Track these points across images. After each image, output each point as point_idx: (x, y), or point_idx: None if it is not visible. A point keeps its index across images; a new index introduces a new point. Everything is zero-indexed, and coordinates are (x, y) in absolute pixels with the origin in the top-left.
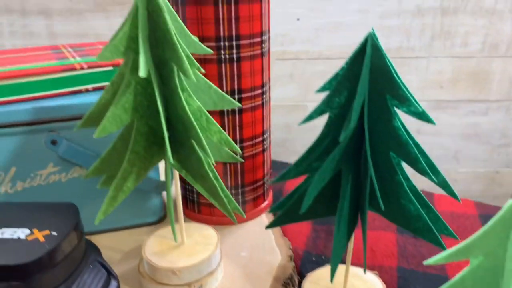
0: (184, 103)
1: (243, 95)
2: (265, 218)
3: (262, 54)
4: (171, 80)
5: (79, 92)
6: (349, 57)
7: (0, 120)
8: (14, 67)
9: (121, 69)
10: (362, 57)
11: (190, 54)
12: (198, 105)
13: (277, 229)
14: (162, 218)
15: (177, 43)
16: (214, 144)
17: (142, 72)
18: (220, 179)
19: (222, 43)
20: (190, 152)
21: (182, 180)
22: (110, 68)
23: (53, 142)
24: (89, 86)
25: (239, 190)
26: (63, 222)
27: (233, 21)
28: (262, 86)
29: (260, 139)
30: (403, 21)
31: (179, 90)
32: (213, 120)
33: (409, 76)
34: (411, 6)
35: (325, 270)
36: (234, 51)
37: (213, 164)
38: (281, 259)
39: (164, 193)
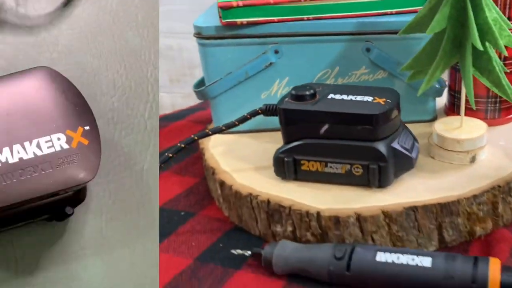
0: (487, 14)
1: None
2: None
3: None
4: None
5: (385, 14)
6: None
7: (331, 29)
8: None
9: None
10: None
11: None
12: (495, 16)
13: None
14: (434, 118)
15: None
16: None
17: None
18: (503, 72)
19: None
20: (482, 52)
21: (451, 89)
22: None
23: (367, 50)
24: (393, 10)
25: (497, 99)
26: (391, 95)
27: None
28: None
29: None
30: None
31: (483, 5)
32: (505, 27)
33: None
34: None
35: None
36: None
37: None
38: None
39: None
